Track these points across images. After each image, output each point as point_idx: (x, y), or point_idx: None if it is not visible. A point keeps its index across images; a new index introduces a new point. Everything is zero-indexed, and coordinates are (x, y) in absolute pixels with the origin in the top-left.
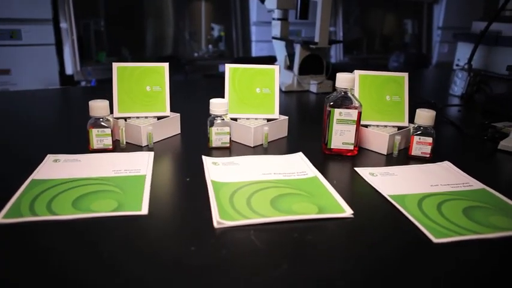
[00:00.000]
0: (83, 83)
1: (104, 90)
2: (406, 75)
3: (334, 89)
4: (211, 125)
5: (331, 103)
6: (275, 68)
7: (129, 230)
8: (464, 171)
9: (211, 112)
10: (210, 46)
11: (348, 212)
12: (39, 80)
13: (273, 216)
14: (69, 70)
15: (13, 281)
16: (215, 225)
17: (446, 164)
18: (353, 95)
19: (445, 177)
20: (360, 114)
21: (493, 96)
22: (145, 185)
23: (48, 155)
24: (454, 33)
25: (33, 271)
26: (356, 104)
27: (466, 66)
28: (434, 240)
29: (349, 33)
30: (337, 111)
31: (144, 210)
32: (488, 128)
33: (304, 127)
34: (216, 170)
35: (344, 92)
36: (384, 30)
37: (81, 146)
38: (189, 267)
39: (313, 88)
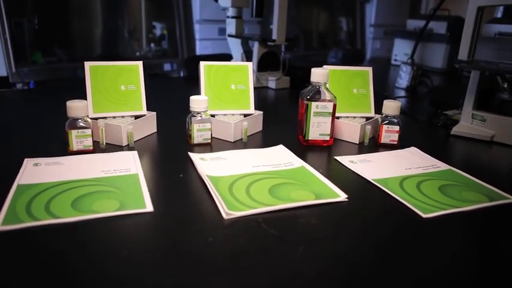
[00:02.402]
0: (20, 85)
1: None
2: (370, 69)
3: (291, 84)
4: (192, 121)
5: (308, 97)
6: (249, 65)
7: (139, 227)
8: (429, 155)
9: (191, 109)
10: (153, 45)
11: (342, 196)
12: None
13: (277, 204)
14: (2, 71)
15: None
16: (224, 216)
17: (413, 149)
18: (327, 88)
19: (416, 161)
20: (335, 106)
21: (435, 88)
22: (140, 183)
23: (27, 159)
24: (385, 31)
25: (47, 276)
26: (330, 96)
27: (409, 61)
28: (424, 215)
29: (288, 31)
30: (314, 104)
31: (149, 207)
32: (440, 116)
33: (274, 121)
34: (206, 165)
35: (318, 86)
36: (319, 27)
37: (57, 148)
38: (215, 257)
39: (272, 84)
